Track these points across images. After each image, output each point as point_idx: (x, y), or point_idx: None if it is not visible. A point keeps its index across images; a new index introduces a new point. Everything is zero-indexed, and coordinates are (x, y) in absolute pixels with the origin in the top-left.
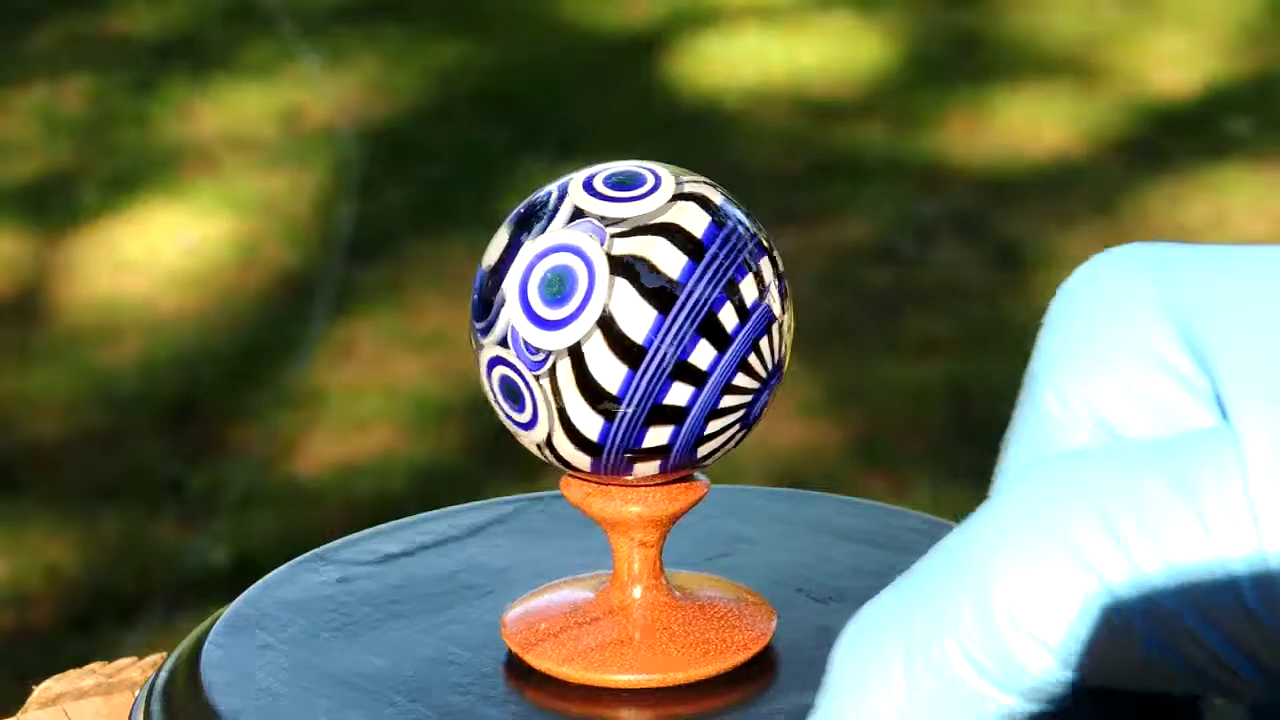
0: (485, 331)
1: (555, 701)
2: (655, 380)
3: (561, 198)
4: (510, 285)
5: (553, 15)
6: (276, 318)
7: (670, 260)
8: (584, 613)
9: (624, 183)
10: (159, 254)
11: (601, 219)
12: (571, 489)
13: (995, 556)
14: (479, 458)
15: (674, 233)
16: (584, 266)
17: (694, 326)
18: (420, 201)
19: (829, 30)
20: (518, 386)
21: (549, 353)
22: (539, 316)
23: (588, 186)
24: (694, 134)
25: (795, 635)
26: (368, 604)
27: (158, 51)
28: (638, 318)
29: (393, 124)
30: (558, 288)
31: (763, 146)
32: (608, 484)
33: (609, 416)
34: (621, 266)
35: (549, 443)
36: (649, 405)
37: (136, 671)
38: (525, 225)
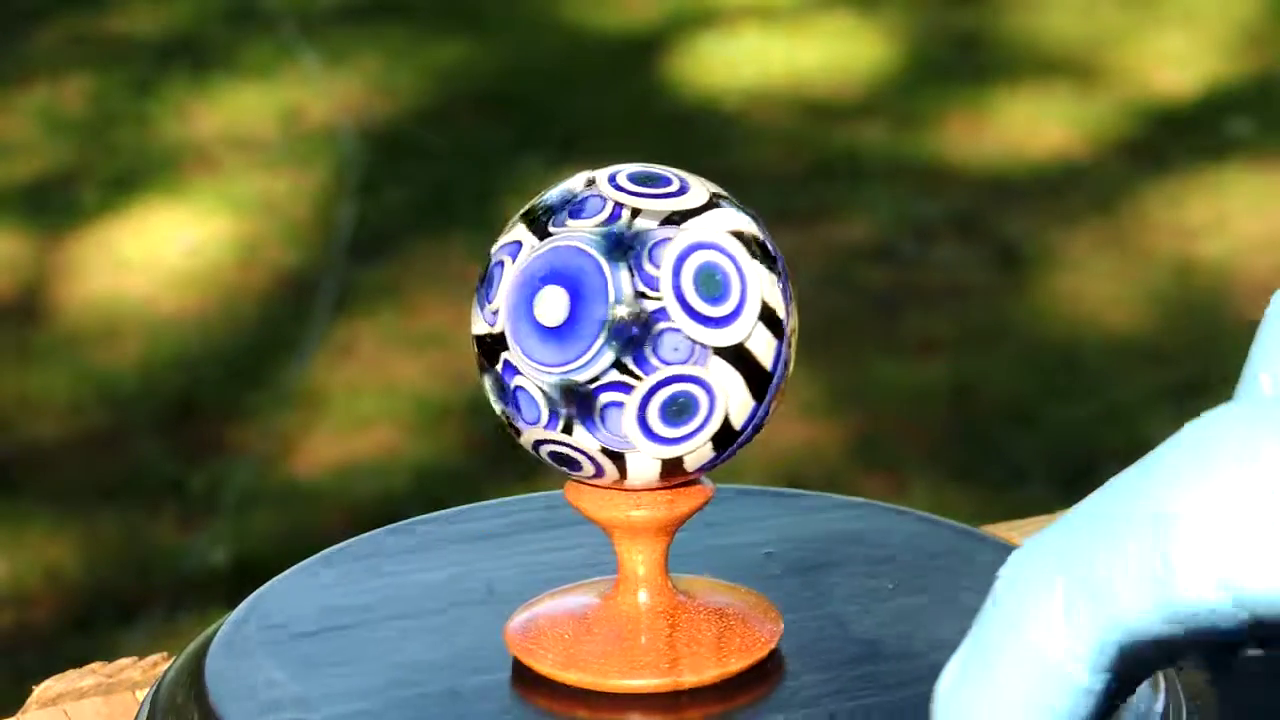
0: (647, 360)
1: (560, 707)
2: (789, 348)
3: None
4: (666, 298)
5: (553, 15)
6: (276, 318)
7: (760, 229)
8: (589, 618)
9: (651, 180)
10: (159, 254)
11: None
12: (576, 494)
13: (1171, 496)
14: (479, 458)
15: (735, 205)
16: (728, 259)
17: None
18: (420, 201)
19: (829, 30)
20: (693, 399)
21: (709, 350)
22: (704, 316)
23: (618, 187)
24: (694, 134)
25: (801, 638)
26: (370, 609)
27: (158, 51)
28: (778, 292)
29: (393, 124)
30: (714, 285)
31: (763, 146)
32: (613, 489)
33: (761, 397)
34: (758, 250)
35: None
36: (786, 374)
37: (137, 671)
38: (618, 248)
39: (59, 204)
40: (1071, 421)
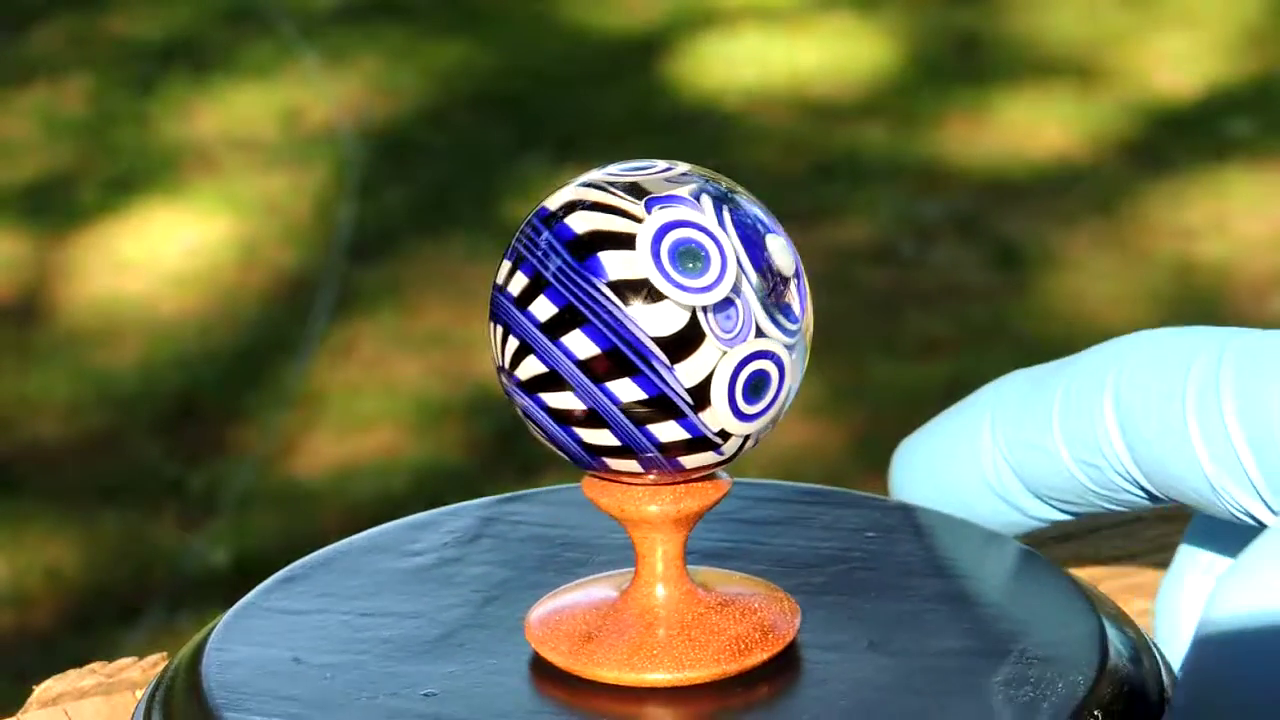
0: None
1: (579, 701)
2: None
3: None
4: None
5: (553, 16)
6: (276, 318)
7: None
8: (608, 611)
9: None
10: (159, 254)
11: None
12: (593, 488)
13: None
14: (479, 458)
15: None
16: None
17: None
18: (420, 202)
19: (829, 31)
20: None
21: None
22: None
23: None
24: (694, 134)
25: (820, 631)
26: (377, 604)
27: (158, 51)
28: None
29: (393, 124)
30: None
31: (763, 147)
32: (631, 483)
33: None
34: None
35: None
36: None
37: (136, 671)
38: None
39: (59, 204)
40: None
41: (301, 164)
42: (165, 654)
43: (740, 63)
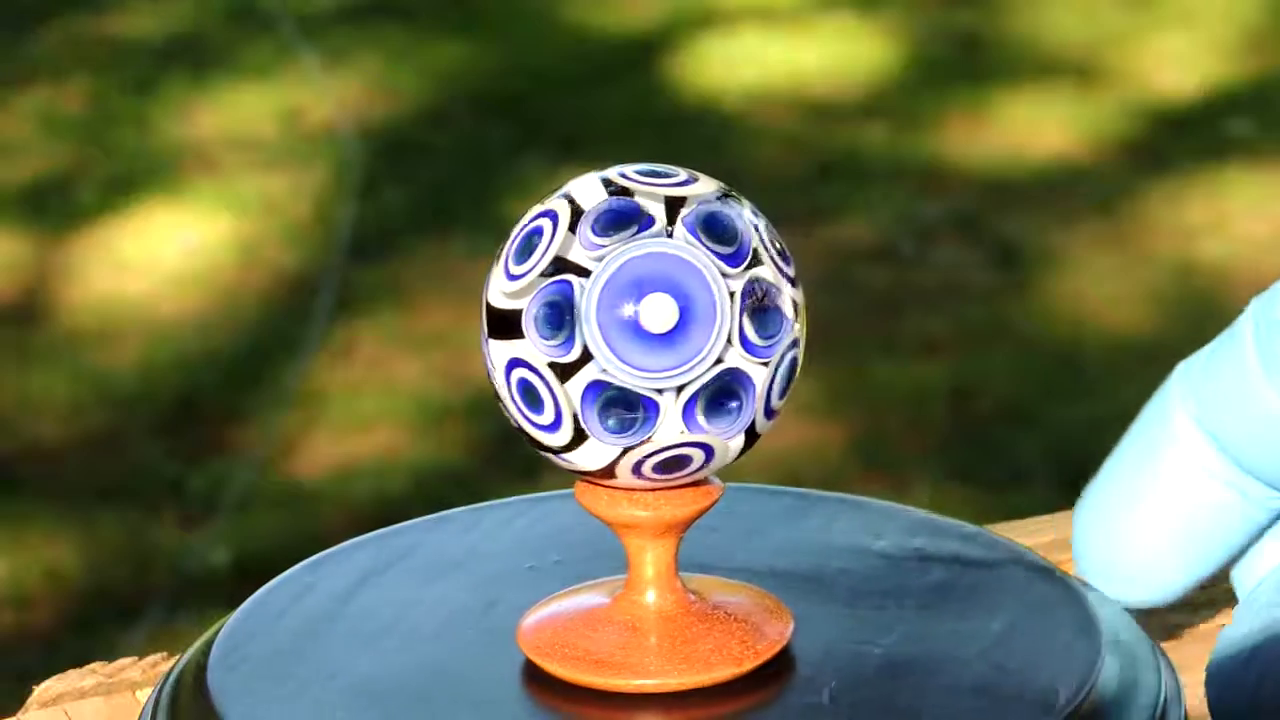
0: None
1: (570, 707)
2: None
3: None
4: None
5: (553, 15)
6: (276, 318)
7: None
8: (599, 618)
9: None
10: (159, 255)
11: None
12: (586, 494)
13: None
14: (480, 458)
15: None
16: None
17: None
18: (420, 201)
19: (829, 31)
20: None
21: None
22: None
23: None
24: (694, 134)
25: (812, 639)
26: (377, 608)
27: (158, 52)
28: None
29: (393, 124)
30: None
31: (763, 147)
32: (622, 489)
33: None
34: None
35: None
36: None
37: (136, 671)
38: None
39: (59, 205)
40: (1071, 421)
41: (301, 164)
42: (165, 654)
43: (740, 63)
